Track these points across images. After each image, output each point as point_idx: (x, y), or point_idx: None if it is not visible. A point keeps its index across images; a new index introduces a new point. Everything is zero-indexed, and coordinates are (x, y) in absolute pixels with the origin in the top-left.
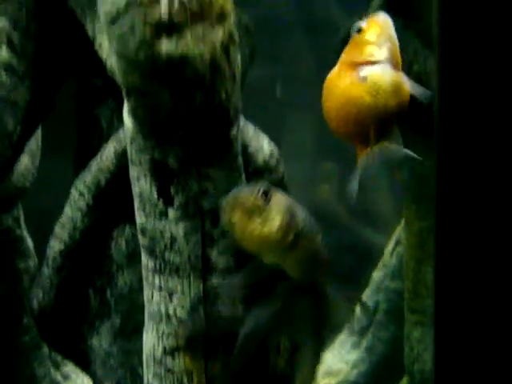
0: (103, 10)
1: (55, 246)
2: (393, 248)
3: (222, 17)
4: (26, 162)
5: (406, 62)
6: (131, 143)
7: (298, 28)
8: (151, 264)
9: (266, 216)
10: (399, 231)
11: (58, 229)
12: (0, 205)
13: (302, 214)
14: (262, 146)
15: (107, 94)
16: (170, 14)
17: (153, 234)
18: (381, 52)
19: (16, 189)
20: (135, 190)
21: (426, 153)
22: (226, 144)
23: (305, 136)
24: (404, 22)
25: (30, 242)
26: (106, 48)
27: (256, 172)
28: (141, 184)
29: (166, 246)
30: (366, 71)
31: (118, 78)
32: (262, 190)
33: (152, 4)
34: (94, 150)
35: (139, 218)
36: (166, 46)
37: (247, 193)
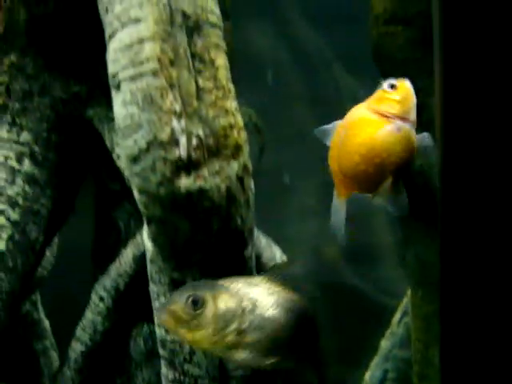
0: (125, 149)
1: (76, 347)
2: (400, 317)
3: (236, 150)
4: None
5: None
6: (151, 263)
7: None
8: (171, 375)
9: (197, 324)
10: (406, 301)
11: (79, 331)
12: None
13: (262, 305)
14: (274, 256)
15: (124, 198)
16: (188, 152)
17: (173, 346)
18: (411, 113)
19: (36, 278)
20: (155, 305)
21: (429, 239)
22: (240, 263)
23: (311, 198)
24: None
25: (46, 324)
26: (124, 159)
27: None
28: (161, 301)
29: (185, 358)
30: (400, 125)
31: (138, 205)
32: (191, 299)
33: (171, 144)
34: (111, 250)
35: (159, 331)
36: (184, 182)
37: (178, 300)
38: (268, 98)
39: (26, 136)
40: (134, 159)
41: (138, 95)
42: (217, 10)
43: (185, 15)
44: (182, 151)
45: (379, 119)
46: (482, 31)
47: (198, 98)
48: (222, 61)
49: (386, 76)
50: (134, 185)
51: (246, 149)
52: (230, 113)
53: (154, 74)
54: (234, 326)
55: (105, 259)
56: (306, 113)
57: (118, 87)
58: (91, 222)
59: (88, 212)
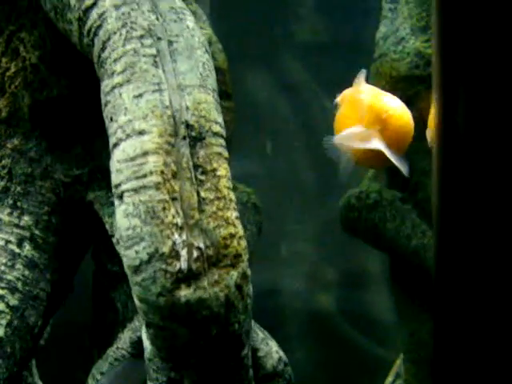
0: (126, 260)
1: None
2: (392, 381)
3: (236, 259)
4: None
5: (404, 235)
6: (149, 361)
7: None
8: None
9: None
10: (399, 363)
11: None
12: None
13: None
14: (271, 350)
15: (123, 279)
16: (188, 265)
17: None
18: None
19: None
20: None
21: (424, 317)
22: (237, 362)
23: (305, 244)
24: (403, 195)
25: None
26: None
27: (265, 377)
28: None
29: None
30: None
31: (138, 310)
32: None
33: (172, 257)
34: (108, 329)
35: None
36: (184, 293)
37: None
38: (268, 148)
39: (26, 219)
40: (135, 270)
41: (140, 208)
42: (220, 119)
43: (188, 126)
44: (182, 264)
45: None
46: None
47: (200, 209)
48: (223, 170)
49: None
50: (135, 293)
51: (245, 256)
52: (231, 223)
53: (157, 187)
54: None
55: (102, 339)
56: (304, 161)
57: (120, 198)
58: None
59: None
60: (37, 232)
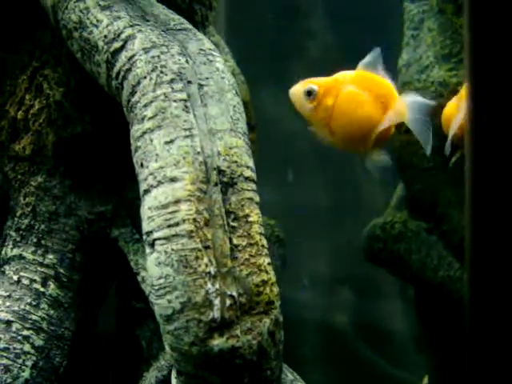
0: (158, 308)
1: None
2: None
3: (268, 306)
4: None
5: (431, 267)
6: None
7: None
8: None
9: None
10: None
11: None
12: None
13: None
14: None
15: (148, 317)
16: (222, 313)
17: None
18: None
19: None
20: None
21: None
22: None
23: (321, 263)
24: (428, 227)
25: None
26: (157, 316)
27: None
28: None
29: None
30: None
31: (170, 359)
32: None
33: (206, 306)
34: (132, 368)
35: None
36: (217, 342)
37: None
38: (286, 173)
39: (51, 258)
40: (168, 319)
41: (173, 257)
42: (251, 163)
43: (220, 172)
44: (215, 313)
45: None
46: None
47: (232, 256)
48: (255, 216)
49: (409, 184)
50: (166, 342)
51: (277, 303)
52: (263, 269)
53: (190, 235)
54: None
55: (126, 376)
56: (319, 184)
57: (152, 246)
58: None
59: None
60: (61, 270)
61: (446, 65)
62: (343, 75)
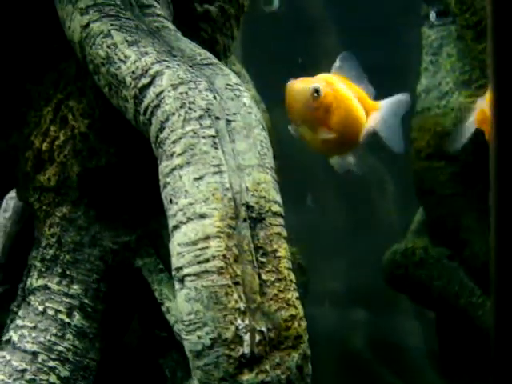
0: (188, 344)
1: None
2: None
3: (297, 341)
4: None
5: (452, 294)
6: None
7: None
8: None
9: None
10: None
11: None
12: None
13: None
14: None
15: (173, 347)
16: (251, 349)
17: None
18: None
19: None
20: None
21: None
22: None
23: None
24: (449, 253)
25: None
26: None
27: None
28: None
29: None
30: None
31: None
32: None
33: (235, 342)
34: None
35: None
36: (247, 377)
37: None
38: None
39: (76, 288)
40: (197, 354)
41: (203, 293)
42: (278, 197)
43: (248, 207)
44: (245, 349)
45: None
46: None
47: (261, 292)
48: (283, 251)
49: (430, 211)
50: (196, 377)
51: (305, 337)
52: (292, 304)
53: (220, 272)
54: None
55: None
56: (333, 203)
57: (182, 282)
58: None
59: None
60: (86, 300)
61: (466, 91)
62: (329, 77)
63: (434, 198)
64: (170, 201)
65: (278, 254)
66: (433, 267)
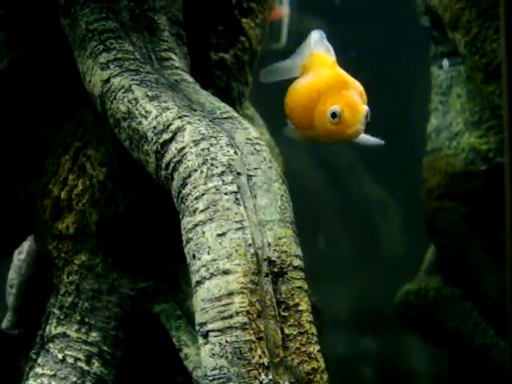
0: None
1: None
2: None
3: None
4: None
5: (466, 334)
6: None
7: None
8: None
9: None
10: None
11: None
12: None
13: None
14: None
15: None
16: None
17: None
18: None
19: None
20: None
21: None
22: None
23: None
24: (463, 293)
25: None
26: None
27: None
28: None
29: None
30: None
31: None
32: None
33: None
34: None
35: None
36: None
37: None
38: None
39: (94, 335)
40: None
41: (227, 349)
42: (299, 251)
43: (270, 262)
44: None
45: None
46: None
47: (284, 346)
48: (305, 305)
49: (442, 250)
50: None
51: None
52: (314, 357)
53: (243, 328)
54: None
55: None
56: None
57: (206, 337)
58: None
59: None
60: (105, 348)
61: (476, 132)
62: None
63: (445, 238)
64: (193, 256)
65: (300, 308)
66: (446, 308)
